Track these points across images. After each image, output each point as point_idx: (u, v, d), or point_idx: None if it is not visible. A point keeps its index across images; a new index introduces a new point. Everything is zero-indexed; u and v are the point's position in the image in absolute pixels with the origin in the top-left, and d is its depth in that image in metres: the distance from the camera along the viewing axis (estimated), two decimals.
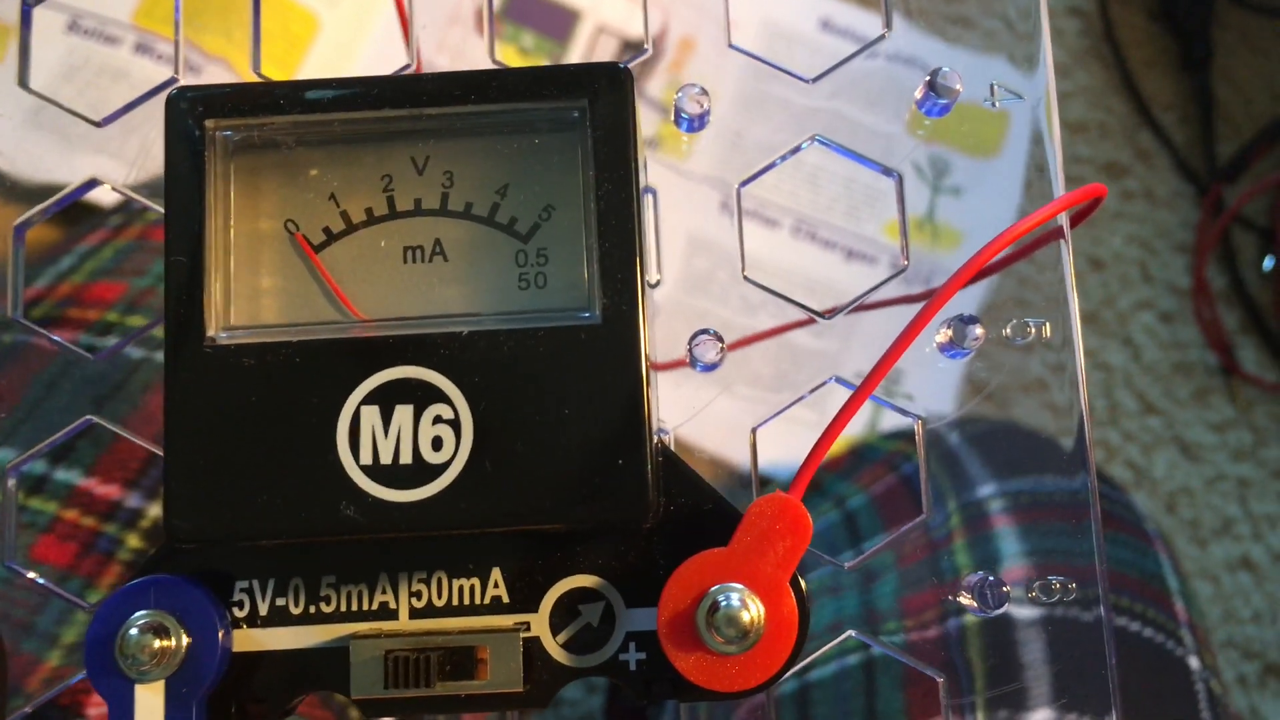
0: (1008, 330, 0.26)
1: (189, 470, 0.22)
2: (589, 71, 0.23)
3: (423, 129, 0.23)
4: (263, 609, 0.23)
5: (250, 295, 0.23)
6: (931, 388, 0.56)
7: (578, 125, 0.23)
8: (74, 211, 0.55)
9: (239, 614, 0.23)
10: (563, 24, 0.74)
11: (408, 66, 0.26)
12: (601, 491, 0.22)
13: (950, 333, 0.26)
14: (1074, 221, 0.27)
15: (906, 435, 0.50)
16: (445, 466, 0.22)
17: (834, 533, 0.48)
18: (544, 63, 0.67)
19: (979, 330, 0.25)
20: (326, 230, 0.23)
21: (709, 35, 0.74)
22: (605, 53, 0.74)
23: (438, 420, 0.22)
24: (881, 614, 0.40)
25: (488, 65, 0.26)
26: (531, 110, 0.23)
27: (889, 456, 0.51)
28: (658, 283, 0.26)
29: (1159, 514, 0.74)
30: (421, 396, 0.22)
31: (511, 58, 0.74)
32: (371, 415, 0.22)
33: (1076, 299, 0.26)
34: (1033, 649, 0.37)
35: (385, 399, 0.22)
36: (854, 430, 0.62)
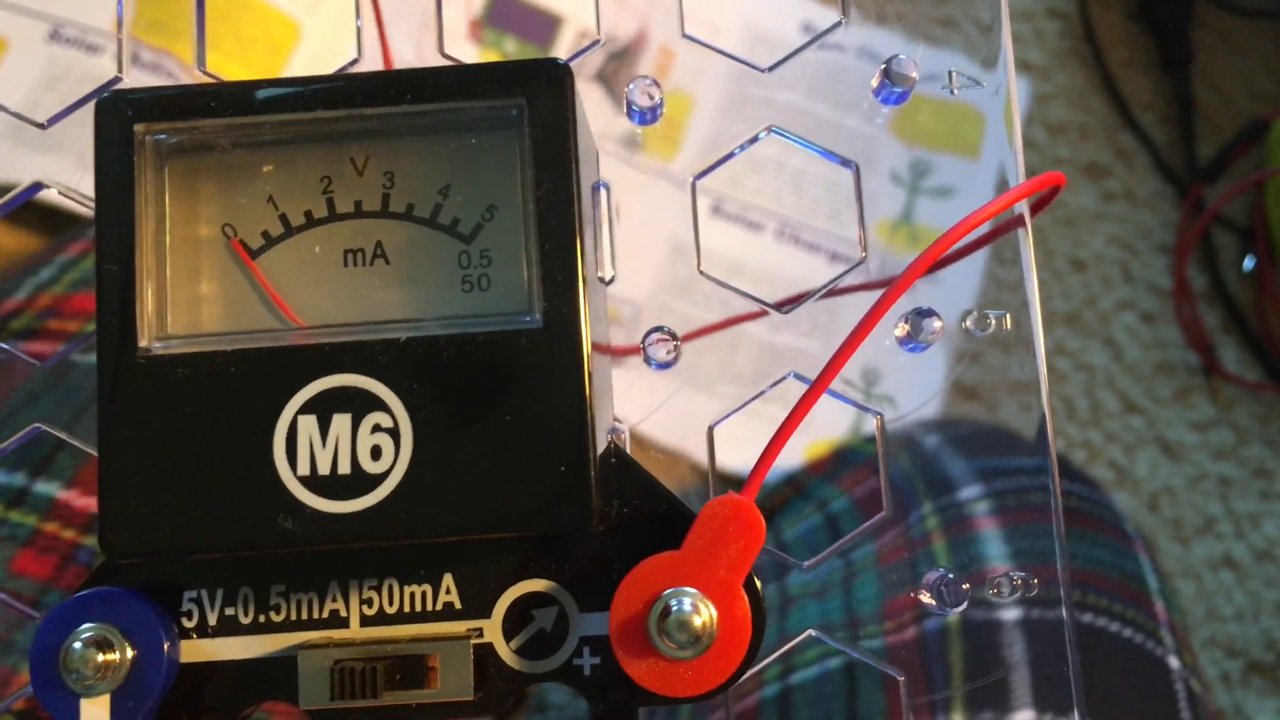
0: (968, 323, 0.26)
1: (124, 485, 0.21)
2: (526, 68, 0.22)
3: (361, 129, 0.23)
4: (212, 619, 0.23)
5: (187, 303, 0.23)
6: (911, 388, 0.56)
7: (516, 123, 0.22)
8: (55, 222, 0.55)
9: (188, 624, 0.23)
10: (544, 29, 0.74)
11: (355, 62, 0.25)
12: (543, 500, 0.21)
13: (908, 326, 0.25)
14: (1034, 210, 0.27)
15: (889, 438, 0.50)
16: (384, 476, 0.21)
17: (816, 536, 0.48)
18: None
19: (937, 323, 0.25)
20: (265, 234, 0.23)
21: (690, 40, 0.73)
22: (587, 56, 0.74)
23: (376, 429, 0.21)
24: (862, 617, 0.39)
25: (449, 64, 0.26)
26: (470, 109, 0.22)
27: (872, 459, 0.50)
28: (612, 279, 0.25)
29: (1141, 513, 0.74)
30: (360, 405, 0.21)
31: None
32: (309, 425, 0.21)
33: (1037, 286, 0.26)
34: (1008, 649, 0.37)
35: (323, 408, 0.21)
36: (837, 432, 0.61)
